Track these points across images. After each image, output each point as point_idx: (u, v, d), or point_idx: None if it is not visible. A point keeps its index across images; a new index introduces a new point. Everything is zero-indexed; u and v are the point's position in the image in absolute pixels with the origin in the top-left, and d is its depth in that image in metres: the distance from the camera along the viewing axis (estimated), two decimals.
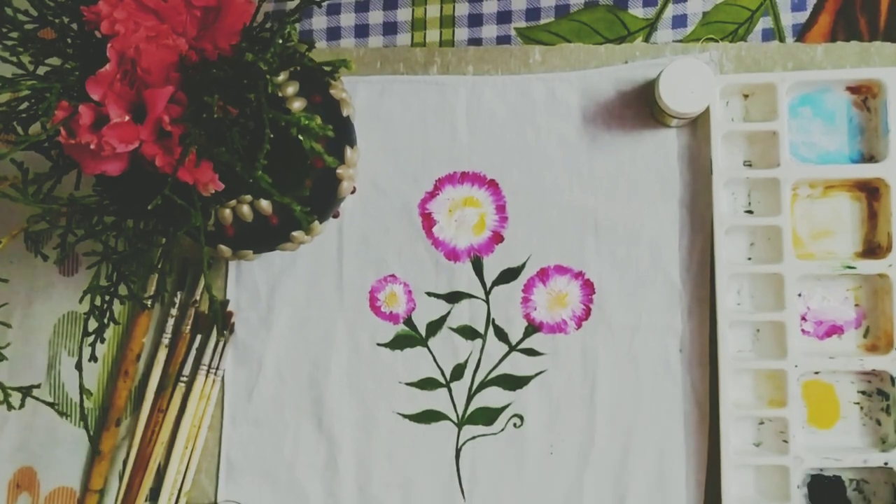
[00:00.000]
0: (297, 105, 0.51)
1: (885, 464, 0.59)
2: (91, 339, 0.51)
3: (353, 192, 0.61)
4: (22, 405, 0.52)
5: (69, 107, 0.43)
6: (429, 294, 0.65)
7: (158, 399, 0.65)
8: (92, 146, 0.42)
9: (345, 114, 0.55)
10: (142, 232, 0.50)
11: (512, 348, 0.64)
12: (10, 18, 0.48)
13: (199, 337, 0.66)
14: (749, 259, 0.63)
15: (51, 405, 0.54)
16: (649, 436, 0.62)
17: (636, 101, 0.64)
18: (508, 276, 0.65)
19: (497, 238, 0.65)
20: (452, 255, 0.65)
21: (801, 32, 0.64)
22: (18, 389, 0.52)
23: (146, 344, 0.67)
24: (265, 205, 0.52)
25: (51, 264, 0.67)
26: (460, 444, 0.64)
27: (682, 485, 0.62)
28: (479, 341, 0.65)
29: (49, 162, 0.49)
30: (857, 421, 0.62)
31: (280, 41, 0.45)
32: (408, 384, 0.65)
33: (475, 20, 0.66)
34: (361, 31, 0.67)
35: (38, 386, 0.54)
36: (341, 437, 0.64)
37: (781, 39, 0.64)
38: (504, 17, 0.66)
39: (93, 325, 0.51)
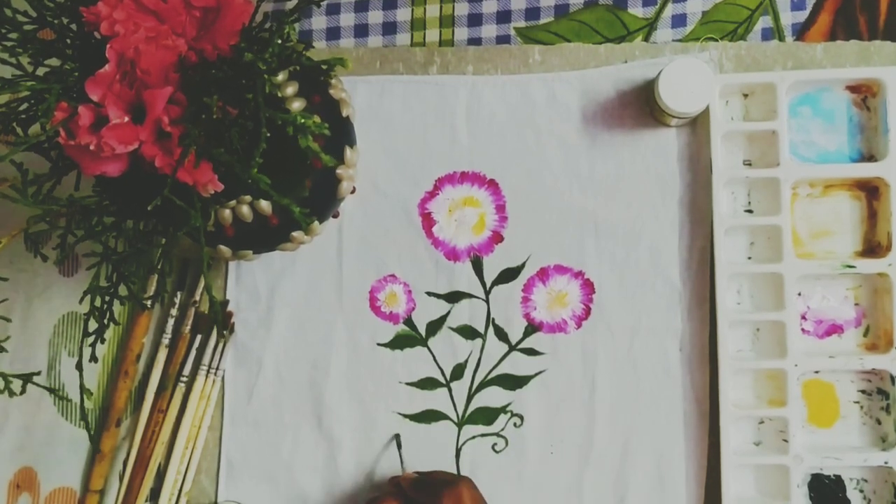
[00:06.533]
0: (297, 105, 0.51)
1: (886, 463, 0.59)
2: (91, 339, 0.51)
3: (352, 193, 0.61)
4: (23, 391, 0.52)
5: (69, 108, 0.43)
6: (429, 294, 0.65)
7: (158, 399, 0.65)
8: (91, 147, 0.42)
9: (344, 114, 0.55)
10: (141, 232, 0.50)
11: (512, 348, 0.64)
12: (9, 19, 0.48)
13: (199, 337, 0.66)
14: (749, 258, 0.63)
15: (52, 391, 0.54)
16: (649, 435, 0.63)
17: (636, 101, 0.64)
18: (508, 275, 0.65)
19: (497, 238, 0.65)
20: (452, 254, 0.65)
21: (801, 32, 0.64)
22: (19, 376, 0.51)
23: (146, 344, 0.67)
24: (265, 205, 0.52)
25: (51, 265, 0.67)
26: (460, 443, 0.64)
27: (681, 484, 0.62)
28: (479, 341, 0.65)
29: (49, 163, 0.49)
30: (858, 420, 0.62)
31: (279, 41, 0.45)
32: (408, 384, 0.65)
33: (475, 20, 0.66)
34: (361, 30, 0.67)
35: (38, 373, 0.54)
36: (341, 438, 0.64)
37: (781, 39, 0.64)
38: (504, 16, 0.66)
39: (93, 325, 0.51)
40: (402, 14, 0.67)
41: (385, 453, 0.64)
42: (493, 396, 0.64)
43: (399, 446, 0.63)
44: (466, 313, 0.65)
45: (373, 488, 0.64)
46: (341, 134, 0.54)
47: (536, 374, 0.64)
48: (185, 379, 0.65)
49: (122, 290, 0.59)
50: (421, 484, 0.58)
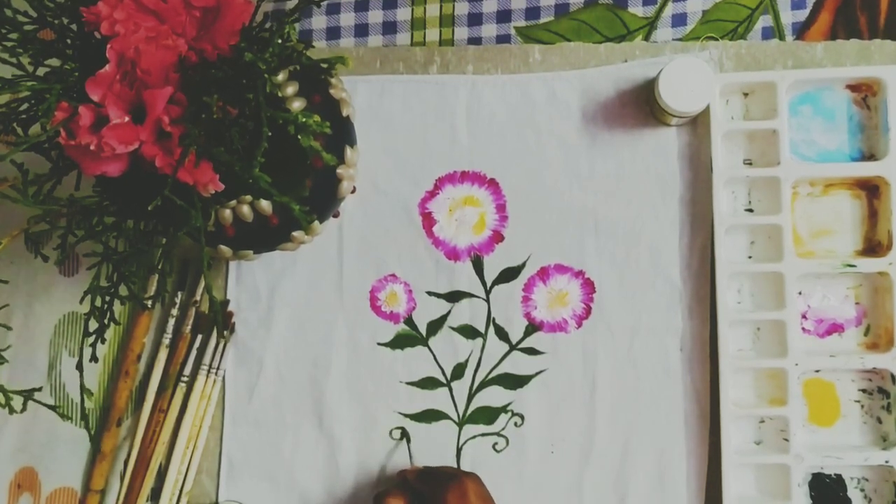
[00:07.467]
0: (297, 105, 0.51)
1: (886, 462, 0.59)
2: (92, 339, 0.51)
3: (352, 192, 0.61)
4: (23, 409, 0.52)
5: (69, 108, 0.43)
6: (429, 293, 0.65)
7: (159, 399, 0.65)
8: (92, 147, 0.42)
9: (344, 113, 0.55)
10: (142, 232, 0.50)
11: (512, 347, 0.64)
12: (9, 19, 0.48)
13: (199, 337, 0.66)
14: (749, 258, 0.63)
15: (52, 408, 0.54)
16: (649, 435, 0.62)
17: (636, 100, 0.64)
18: (509, 275, 0.65)
19: (497, 237, 0.65)
20: (453, 254, 0.65)
21: (801, 30, 0.64)
22: (20, 393, 0.52)
23: (147, 344, 0.67)
24: (265, 205, 0.52)
25: (51, 265, 0.67)
26: (461, 443, 0.64)
27: (682, 484, 0.62)
28: (479, 340, 0.65)
29: (49, 163, 0.49)
30: (858, 419, 0.61)
31: (279, 41, 0.45)
32: (408, 384, 0.65)
33: (475, 19, 0.66)
34: (361, 30, 0.67)
35: (39, 389, 0.54)
36: (341, 437, 0.64)
37: (781, 38, 0.64)
38: (504, 16, 0.66)
39: (93, 325, 0.51)
40: (402, 14, 0.67)
41: (385, 452, 0.64)
42: (494, 396, 0.64)
43: (408, 440, 0.64)
44: (467, 313, 0.65)
45: (377, 485, 0.64)
46: (341, 133, 0.54)
47: (537, 374, 0.64)
48: (185, 379, 0.65)
49: (123, 290, 0.59)
50: (426, 476, 0.58)
